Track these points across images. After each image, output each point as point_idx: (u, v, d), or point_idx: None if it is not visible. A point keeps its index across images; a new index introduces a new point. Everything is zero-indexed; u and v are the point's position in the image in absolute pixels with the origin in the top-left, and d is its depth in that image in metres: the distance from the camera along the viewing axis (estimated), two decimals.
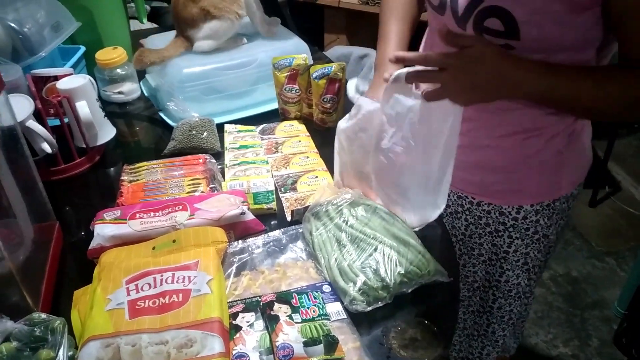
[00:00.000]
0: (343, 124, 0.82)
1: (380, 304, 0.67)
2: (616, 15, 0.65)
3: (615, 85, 0.67)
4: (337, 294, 0.68)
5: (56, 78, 1.01)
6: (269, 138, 1.07)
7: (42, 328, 0.60)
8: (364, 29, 2.32)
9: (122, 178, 0.90)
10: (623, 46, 0.69)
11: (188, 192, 0.85)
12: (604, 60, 0.75)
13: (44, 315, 0.62)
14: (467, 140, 0.86)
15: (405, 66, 0.70)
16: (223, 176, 0.93)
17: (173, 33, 1.21)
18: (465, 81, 0.66)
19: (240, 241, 0.77)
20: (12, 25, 1.06)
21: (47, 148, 0.93)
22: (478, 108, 0.81)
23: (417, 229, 0.79)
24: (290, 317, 0.62)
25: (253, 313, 0.64)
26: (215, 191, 0.86)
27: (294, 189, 0.91)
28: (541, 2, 0.65)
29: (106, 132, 1.03)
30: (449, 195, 0.96)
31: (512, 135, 0.82)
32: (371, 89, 0.87)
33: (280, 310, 0.63)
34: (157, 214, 0.77)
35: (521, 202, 0.88)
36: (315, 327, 0.61)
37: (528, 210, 0.89)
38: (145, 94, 1.25)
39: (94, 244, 0.74)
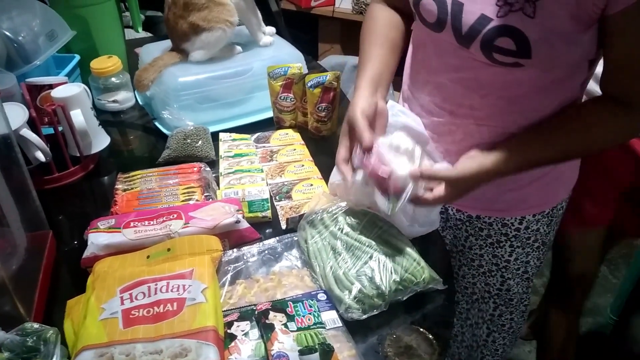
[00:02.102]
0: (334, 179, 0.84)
1: (375, 312, 0.67)
2: (607, 35, 0.65)
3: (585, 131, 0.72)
4: (333, 302, 0.68)
5: (51, 87, 1.01)
6: (264, 146, 1.07)
7: (34, 338, 0.59)
8: (358, 39, 2.33)
9: (116, 187, 0.90)
10: (605, 75, 0.70)
11: (183, 201, 0.85)
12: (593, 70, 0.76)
13: (36, 325, 0.61)
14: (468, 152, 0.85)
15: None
16: (218, 184, 0.93)
17: (168, 42, 1.21)
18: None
19: (235, 249, 0.77)
20: (7, 33, 1.05)
21: (40, 157, 0.93)
22: (479, 123, 0.80)
23: (411, 237, 0.79)
24: (285, 325, 0.62)
25: (248, 322, 0.64)
26: (210, 199, 0.86)
27: (289, 197, 0.91)
28: (552, 22, 0.63)
29: (100, 141, 1.03)
30: (447, 210, 0.96)
31: None
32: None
33: (276, 318, 0.63)
34: (152, 222, 0.76)
35: (524, 212, 0.89)
36: (310, 335, 0.61)
37: (530, 220, 0.89)
38: (140, 103, 1.25)
39: (87, 252, 0.73)
